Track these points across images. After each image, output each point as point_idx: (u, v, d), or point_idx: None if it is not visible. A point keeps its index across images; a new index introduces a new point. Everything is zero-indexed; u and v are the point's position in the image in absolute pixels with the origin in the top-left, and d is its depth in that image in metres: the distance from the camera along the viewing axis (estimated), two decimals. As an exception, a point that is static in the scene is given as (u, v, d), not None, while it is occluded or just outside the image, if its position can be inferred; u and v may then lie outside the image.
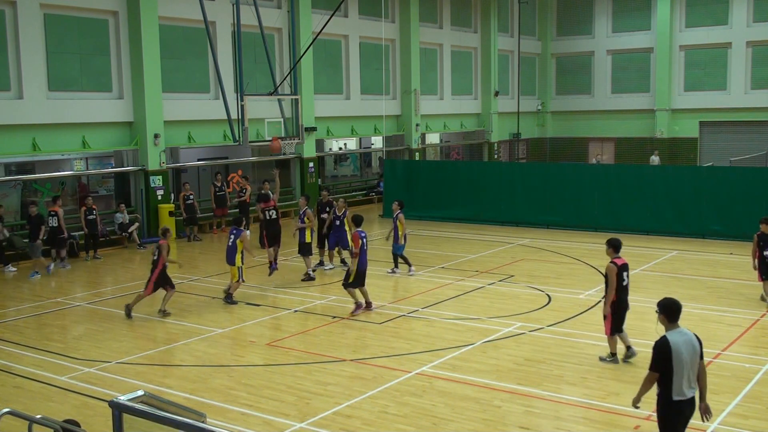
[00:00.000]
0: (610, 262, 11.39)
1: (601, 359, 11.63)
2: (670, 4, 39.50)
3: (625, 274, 11.40)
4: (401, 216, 18.00)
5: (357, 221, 15.26)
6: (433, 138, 37.72)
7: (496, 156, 39.96)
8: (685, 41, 39.65)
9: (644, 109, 41.01)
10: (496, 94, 39.94)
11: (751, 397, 10.22)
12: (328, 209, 18.78)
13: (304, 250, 17.85)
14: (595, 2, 42.44)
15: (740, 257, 19.74)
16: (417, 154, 35.06)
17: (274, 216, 18.44)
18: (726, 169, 25.74)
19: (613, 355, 11.57)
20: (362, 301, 14.66)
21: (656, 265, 18.93)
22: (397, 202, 18.44)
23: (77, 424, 6.53)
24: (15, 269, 19.73)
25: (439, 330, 13.53)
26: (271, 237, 18.12)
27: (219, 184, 25.15)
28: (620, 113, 41.82)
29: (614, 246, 11.50)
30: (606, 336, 11.63)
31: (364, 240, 14.60)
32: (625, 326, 11.66)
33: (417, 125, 34.99)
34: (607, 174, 24.89)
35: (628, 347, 11.57)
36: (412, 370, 11.35)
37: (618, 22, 41.96)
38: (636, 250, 20.85)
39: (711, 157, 37.74)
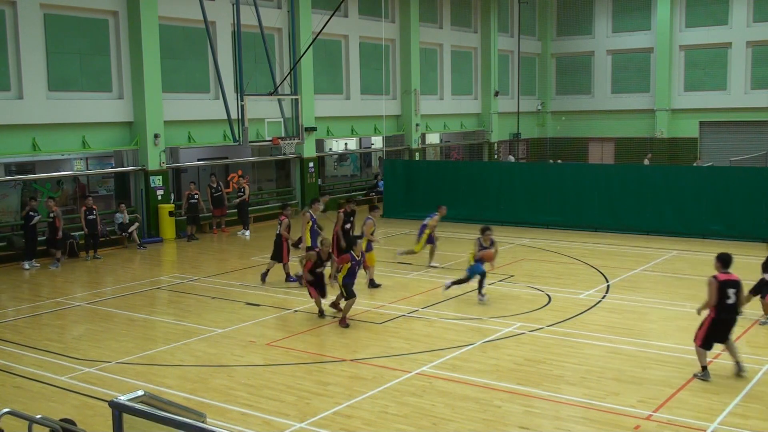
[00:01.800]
0: (713, 275, 10.98)
1: (695, 376, 10.88)
2: (670, 4, 39.50)
3: (731, 291, 10.77)
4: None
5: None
6: (433, 138, 37.73)
7: (496, 156, 39.97)
8: (685, 41, 39.66)
9: (644, 109, 41.01)
10: (496, 94, 39.94)
11: (751, 396, 10.21)
12: (351, 219, 18.21)
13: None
14: (595, 2, 42.45)
15: (740, 257, 19.72)
16: (417, 154, 35.07)
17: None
18: (726, 169, 25.74)
19: (704, 369, 10.88)
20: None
21: (656, 265, 18.94)
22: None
23: (73, 423, 6.54)
24: (38, 264, 20.27)
25: (439, 330, 13.53)
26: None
27: (215, 185, 25.14)
28: (620, 113, 41.83)
29: (722, 260, 11.12)
30: (695, 346, 11.02)
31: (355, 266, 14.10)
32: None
33: (417, 125, 35.00)
34: (607, 174, 24.88)
35: (737, 362, 10.97)
36: (412, 370, 11.34)
37: (618, 22, 41.97)
38: (636, 250, 20.88)
39: (711, 157, 37.73)
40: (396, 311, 14.81)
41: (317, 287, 14.40)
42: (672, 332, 13.33)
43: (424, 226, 18.94)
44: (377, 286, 16.80)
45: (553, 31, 44.32)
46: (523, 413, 9.79)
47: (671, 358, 11.84)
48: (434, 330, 13.55)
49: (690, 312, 14.50)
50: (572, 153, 42.42)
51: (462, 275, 15.90)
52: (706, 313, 11.02)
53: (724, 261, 11.07)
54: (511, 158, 39.95)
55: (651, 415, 9.62)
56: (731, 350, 10.97)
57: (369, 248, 16.75)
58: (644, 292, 16.28)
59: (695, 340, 11.02)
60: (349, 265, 13.92)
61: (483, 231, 15.70)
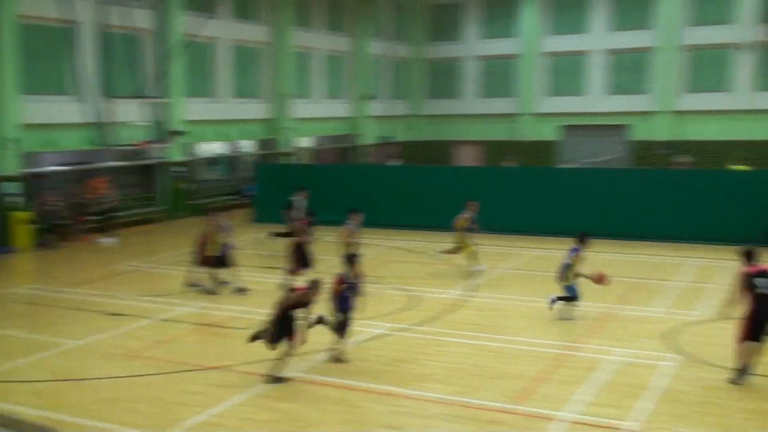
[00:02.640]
0: (741, 271, 11.09)
1: (733, 381, 10.81)
2: (536, 12, 41.05)
3: (760, 280, 10.74)
4: None
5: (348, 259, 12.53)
6: (306, 141, 37.64)
7: (368, 159, 40.26)
8: (549, 48, 41.29)
9: (510, 113, 42.36)
10: (369, 97, 40.27)
11: (601, 386, 10.73)
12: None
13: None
14: (466, 9, 43.52)
15: (594, 254, 20.69)
16: (290, 157, 34.89)
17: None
18: (585, 170, 27.00)
19: (741, 371, 10.78)
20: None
21: (519, 264, 19.58)
22: None
23: None
24: None
25: (309, 333, 13.44)
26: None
27: (74, 192, 24.08)
28: (488, 117, 43.02)
29: (747, 255, 11.25)
30: (738, 345, 10.93)
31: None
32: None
33: (290, 129, 34.82)
34: (474, 176, 25.68)
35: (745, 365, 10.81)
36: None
37: (487, 29, 43.19)
38: (500, 249, 21.47)
39: (572, 159, 39.30)
40: (262, 316, 14.62)
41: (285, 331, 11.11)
42: (531, 328, 13.85)
43: (467, 228, 18.44)
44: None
45: (425, 36, 45.07)
46: (390, 413, 9.89)
47: (531, 352, 12.30)
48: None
49: (547, 307, 15.14)
50: (442, 156, 43.31)
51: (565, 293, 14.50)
52: (738, 311, 11.02)
53: (748, 255, 11.25)
54: (393, 162, 40.27)
55: (512, 408, 9.93)
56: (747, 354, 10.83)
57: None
58: (507, 290, 16.81)
59: (737, 341, 10.91)
60: (341, 288, 11.89)
61: (582, 239, 14.48)
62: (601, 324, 13.98)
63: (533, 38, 41.37)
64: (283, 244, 18.63)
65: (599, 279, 14.45)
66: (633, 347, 12.48)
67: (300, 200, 20.93)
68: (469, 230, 18.34)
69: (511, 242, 22.59)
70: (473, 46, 43.59)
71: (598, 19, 40.15)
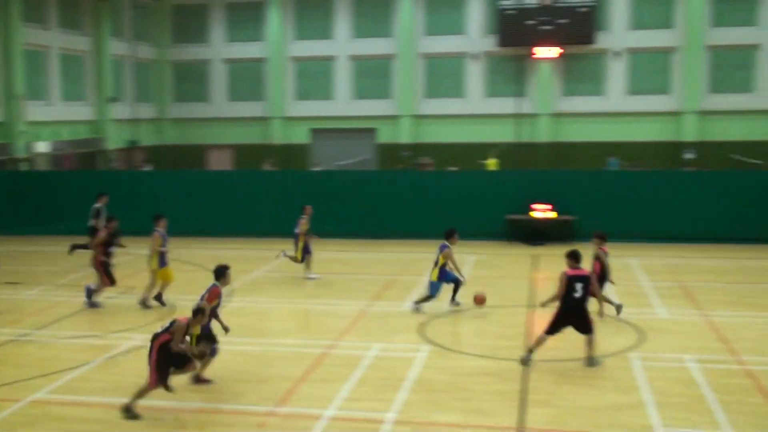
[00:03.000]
0: (563, 271, 11.61)
1: (522, 360, 11.77)
2: (281, 17, 41.41)
3: (578, 285, 11.46)
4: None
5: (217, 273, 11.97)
6: (43, 147, 35.02)
7: (114, 165, 38.37)
8: (295, 52, 41.84)
9: (260, 117, 42.41)
10: (111, 100, 38.38)
11: (361, 381, 11.12)
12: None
13: None
14: (210, 11, 42.87)
15: (352, 254, 21.36)
16: (24, 164, 32.31)
17: None
18: (334, 172, 27.85)
19: (530, 353, 11.76)
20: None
21: (276, 267, 19.71)
22: None
23: None
24: None
25: (55, 351, 12.62)
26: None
27: None
28: (237, 121, 42.74)
29: (573, 257, 11.63)
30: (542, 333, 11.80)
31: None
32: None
33: (23, 133, 32.23)
34: (227, 180, 25.61)
35: (590, 356, 11.71)
36: (24, 398, 10.42)
37: (233, 32, 42.83)
38: (257, 253, 21.46)
39: (322, 161, 40.17)
40: (3, 336, 13.48)
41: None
42: (291, 329, 14.08)
43: (297, 234, 18.05)
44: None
45: (169, 37, 43.77)
46: (150, 427, 9.57)
47: (292, 353, 12.45)
48: (49, 352, 12.60)
49: (307, 308, 15.46)
50: (192, 160, 42.35)
51: (426, 293, 15.19)
52: (553, 306, 11.80)
53: (574, 257, 11.71)
54: (146, 167, 38.53)
55: (273, 411, 9.98)
56: (589, 343, 11.69)
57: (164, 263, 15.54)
58: (263, 293, 16.89)
59: (542, 330, 11.80)
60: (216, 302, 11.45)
61: (450, 235, 15.14)
62: (359, 321, 14.46)
63: (280, 43, 41.73)
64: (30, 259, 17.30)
65: (479, 301, 14.80)
66: (389, 341, 13.06)
67: (101, 207, 19.61)
68: (308, 235, 18.33)
69: (266, 245, 22.63)
70: (220, 49, 43.03)
71: (342, 25, 41.38)
